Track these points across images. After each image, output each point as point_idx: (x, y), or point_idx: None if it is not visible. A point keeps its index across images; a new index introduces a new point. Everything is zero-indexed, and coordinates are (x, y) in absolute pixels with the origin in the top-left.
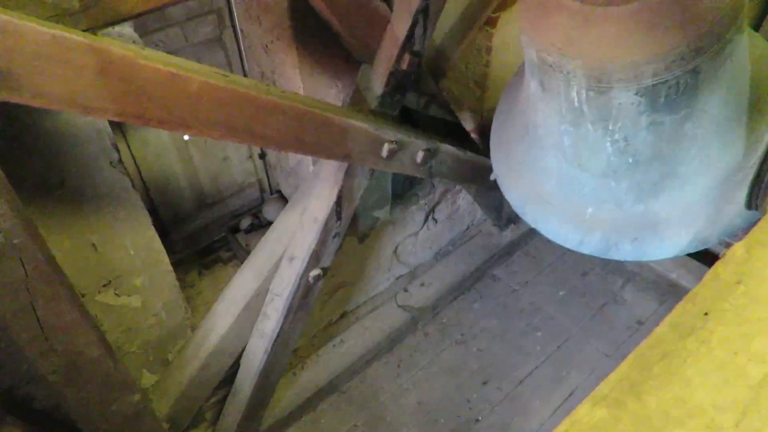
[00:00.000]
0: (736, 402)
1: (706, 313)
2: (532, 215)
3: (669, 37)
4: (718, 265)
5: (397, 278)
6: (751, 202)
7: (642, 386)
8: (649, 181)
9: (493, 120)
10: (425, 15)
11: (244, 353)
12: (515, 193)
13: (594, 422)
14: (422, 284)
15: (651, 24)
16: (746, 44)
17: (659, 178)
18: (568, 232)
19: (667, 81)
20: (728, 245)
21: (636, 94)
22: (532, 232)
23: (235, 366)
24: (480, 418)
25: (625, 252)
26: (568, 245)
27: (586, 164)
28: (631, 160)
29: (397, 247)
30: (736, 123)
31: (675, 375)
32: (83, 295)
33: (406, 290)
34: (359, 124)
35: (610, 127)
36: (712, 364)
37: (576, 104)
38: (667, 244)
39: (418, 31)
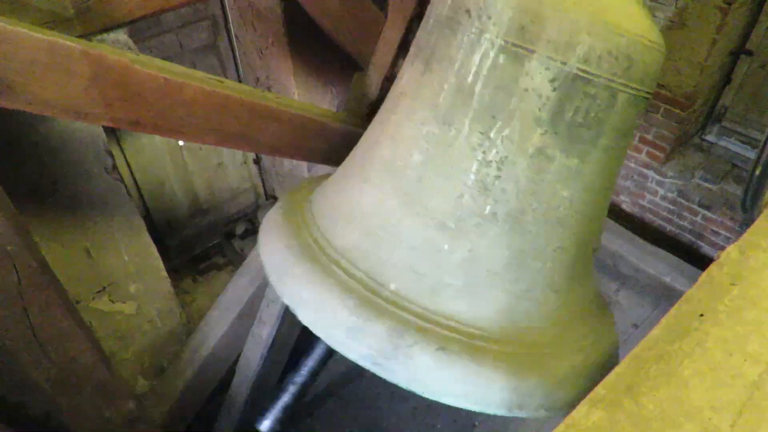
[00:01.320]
0: (731, 402)
1: (701, 315)
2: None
3: (629, 23)
4: (712, 267)
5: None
6: (745, 206)
7: (638, 388)
8: (494, 257)
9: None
10: (420, 21)
11: (240, 359)
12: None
13: (591, 424)
14: None
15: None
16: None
17: (514, 253)
18: (338, 311)
19: (590, 82)
20: (723, 248)
21: (552, 81)
22: None
23: (231, 372)
24: (476, 423)
25: (414, 369)
26: (331, 336)
27: (426, 199)
28: (488, 209)
29: None
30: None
31: (671, 376)
32: (77, 302)
33: None
34: (354, 130)
35: (492, 135)
36: (708, 365)
37: (469, 79)
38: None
39: (413, 37)
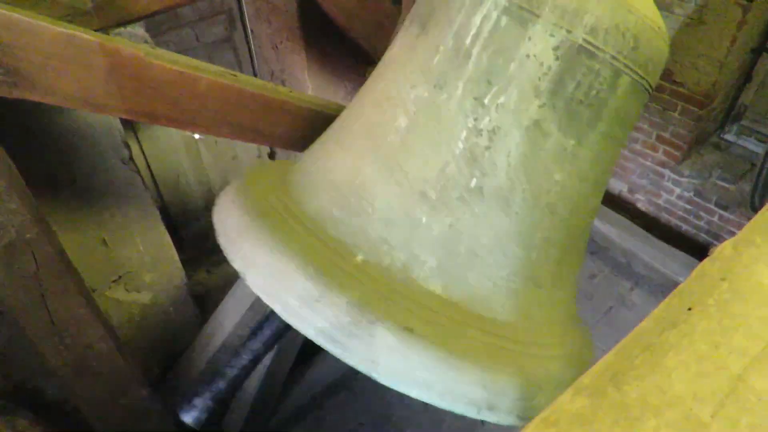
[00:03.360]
0: (714, 393)
1: (689, 308)
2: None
3: None
4: (705, 262)
5: None
6: (754, 204)
7: (623, 377)
8: (476, 237)
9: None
10: None
11: None
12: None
13: (574, 410)
14: None
15: None
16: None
17: (498, 235)
18: (295, 278)
19: (594, 56)
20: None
21: (555, 49)
22: None
23: None
24: (484, 421)
25: (372, 350)
26: (284, 306)
27: (407, 166)
28: (474, 183)
29: None
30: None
31: (656, 366)
32: (94, 290)
33: None
34: None
35: (487, 101)
36: (693, 356)
37: (468, 41)
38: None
39: None
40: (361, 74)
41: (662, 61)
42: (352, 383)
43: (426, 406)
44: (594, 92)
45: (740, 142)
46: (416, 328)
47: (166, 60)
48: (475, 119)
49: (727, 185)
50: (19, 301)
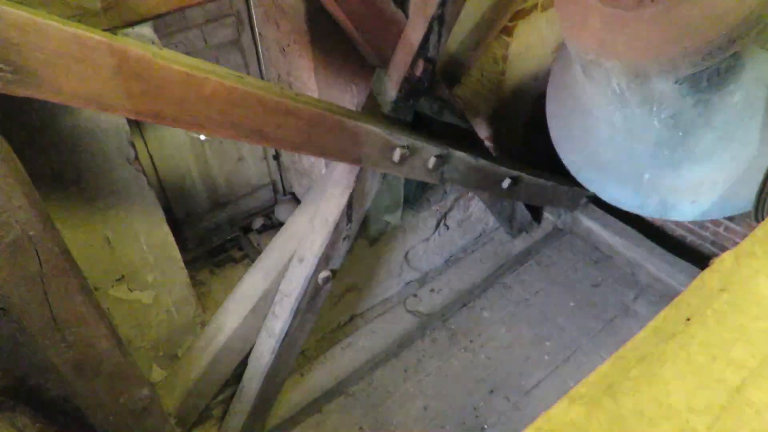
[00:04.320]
0: (711, 405)
1: (688, 319)
2: (587, 178)
3: (701, 32)
4: (705, 272)
5: (407, 283)
6: (757, 216)
7: (619, 387)
8: (702, 147)
9: (547, 89)
10: (440, 22)
11: (252, 352)
12: (571, 157)
13: (569, 420)
14: (432, 290)
15: (681, 21)
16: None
17: (712, 143)
18: (627, 196)
19: (707, 68)
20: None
21: (676, 82)
22: (545, 242)
23: (243, 364)
24: (486, 426)
25: (685, 212)
26: (627, 208)
27: (638, 137)
28: (681, 133)
29: (407, 252)
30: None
31: (653, 377)
32: (96, 289)
33: (415, 295)
34: (372, 128)
35: (655, 109)
36: (690, 368)
37: (618, 92)
38: (726, 204)
39: (433, 38)
40: (368, 78)
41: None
42: (350, 388)
43: (425, 411)
44: (723, 70)
45: None
46: (697, 199)
47: (173, 61)
48: (657, 116)
49: None
50: (22, 298)
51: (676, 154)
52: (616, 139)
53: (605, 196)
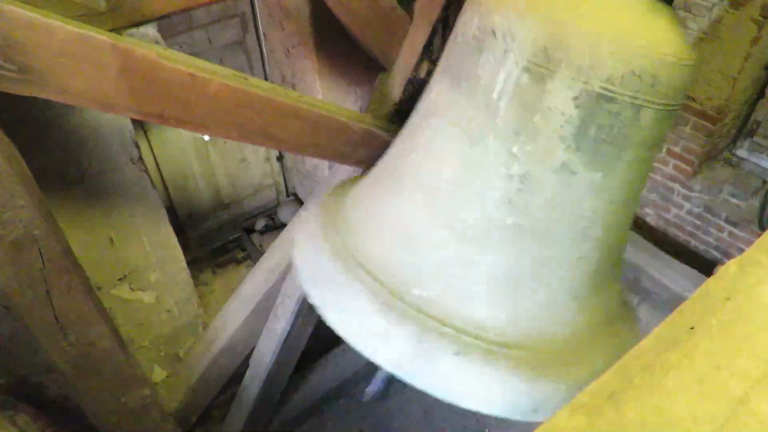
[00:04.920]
0: (714, 416)
1: (692, 328)
2: (324, 288)
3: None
4: (710, 281)
5: None
6: (763, 223)
7: (621, 396)
8: (517, 267)
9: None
10: (445, 24)
11: (254, 353)
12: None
13: (570, 429)
14: None
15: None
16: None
17: (536, 262)
18: (369, 316)
19: (612, 100)
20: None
21: (574, 99)
22: None
23: (244, 365)
24: (487, 430)
25: (434, 373)
26: (357, 338)
27: (455, 212)
28: (511, 220)
29: None
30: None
31: (655, 386)
32: (99, 288)
33: None
34: (375, 130)
35: (515, 150)
36: (694, 378)
37: (494, 96)
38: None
39: (437, 40)
40: (372, 80)
41: (688, 83)
42: (353, 390)
43: (426, 415)
44: (616, 130)
45: (752, 158)
46: (466, 351)
47: (177, 61)
48: (507, 167)
49: (737, 202)
50: (24, 297)
51: (480, 265)
52: (415, 221)
53: (335, 321)
